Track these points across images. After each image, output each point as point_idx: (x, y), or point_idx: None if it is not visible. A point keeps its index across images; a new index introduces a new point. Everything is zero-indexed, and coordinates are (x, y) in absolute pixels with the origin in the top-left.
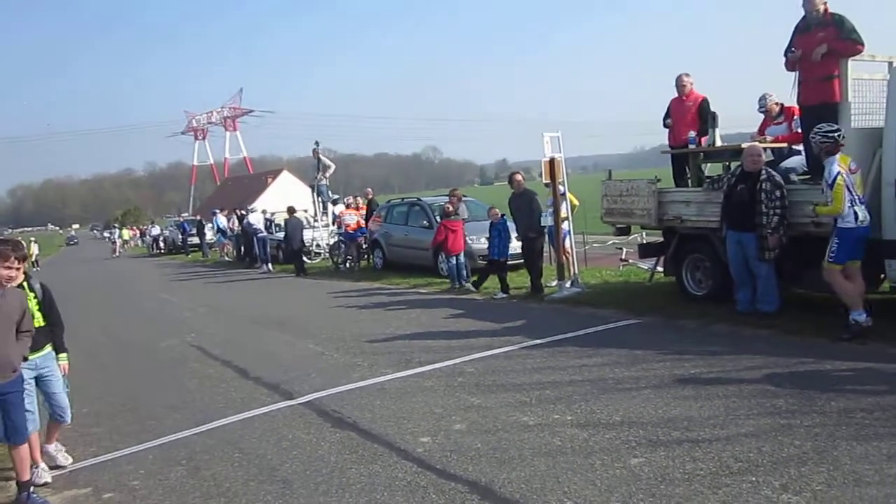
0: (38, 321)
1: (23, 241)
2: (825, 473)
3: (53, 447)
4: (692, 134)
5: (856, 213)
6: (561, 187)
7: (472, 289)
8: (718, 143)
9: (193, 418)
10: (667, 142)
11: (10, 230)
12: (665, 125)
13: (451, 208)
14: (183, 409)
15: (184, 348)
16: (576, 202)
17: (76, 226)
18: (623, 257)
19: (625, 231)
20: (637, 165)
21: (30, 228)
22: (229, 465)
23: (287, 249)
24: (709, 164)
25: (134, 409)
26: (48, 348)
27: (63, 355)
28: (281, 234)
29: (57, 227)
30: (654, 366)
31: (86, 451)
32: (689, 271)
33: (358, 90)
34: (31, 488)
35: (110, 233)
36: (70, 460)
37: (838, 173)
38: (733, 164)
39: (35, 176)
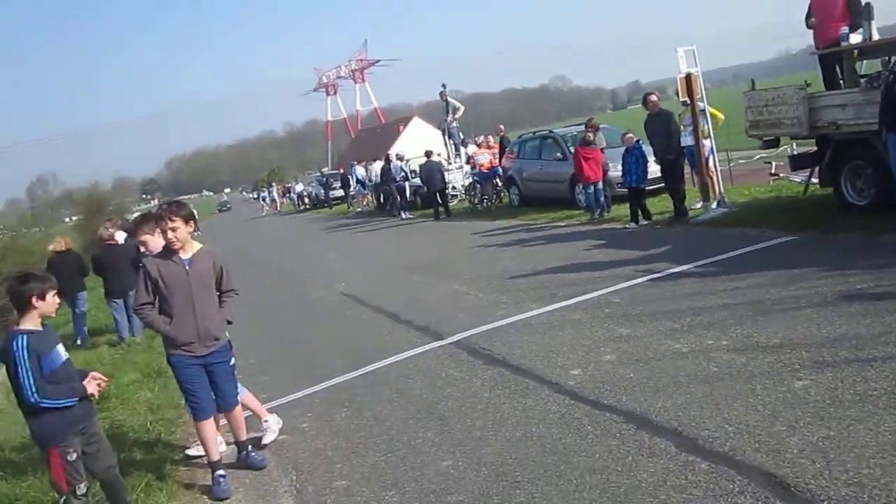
0: None
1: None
2: None
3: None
4: (844, 30)
5: None
6: (700, 104)
7: (635, 226)
8: (876, 36)
9: (351, 362)
10: (813, 43)
11: (159, 198)
12: (808, 25)
13: (591, 137)
14: (341, 354)
15: (336, 297)
16: (720, 116)
17: (228, 190)
18: (773, 171)
19: (773, 143)
20: (783, 72)
21: (187, 196)
22: (389, 405)
23: (427, 193)
24: (864, 63)
25: (296, 356)
26: None
27: None
28: (418, 180)
29: (211, 193)
30: (814, 284)
31: (257, 398)
32: (849, 180)
33: (478, 26)
34: (249, 447)
35: (258, 193)
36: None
37: None
38: (893, 59)
39: (186, 146)
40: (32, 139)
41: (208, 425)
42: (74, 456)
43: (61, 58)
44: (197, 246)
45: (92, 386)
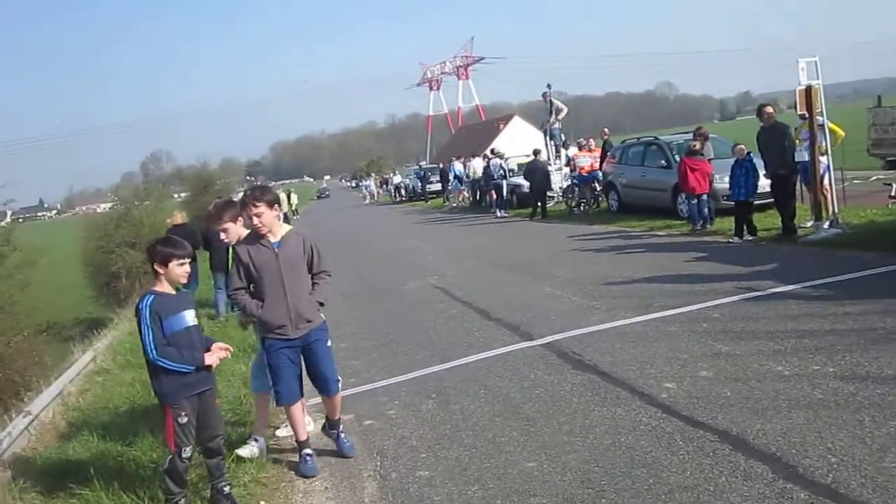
0: None
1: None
2: None
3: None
4: None
5: None
6: (819, 118)
7: (739, 241)
8: None
9: (440, 355)
10: None
11: (270, 183)
12: None
13: (697, 146)
14: (430, 346)
15: (428, 290)
16: (841, 133)
17: (327, 177)
18: (893, 194)
19: None
20: None
21: (288, 181)
22: (475, 401)
23: (527, 192)
24: None
25: (387, 344)
26: None
27: None
28: (516, 179)
29: (311, 179)
30: None
31: (347, 381)
32: None
33: (586, 27)
34: (341, 427)
35: (356, 182)
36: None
37: None
38: None
39: (291, 133)
40: (152, 117)
41: (296, 408)
42: (185, 419)
43: (180, 41)
44: (286, 228)
45: (212, 358)
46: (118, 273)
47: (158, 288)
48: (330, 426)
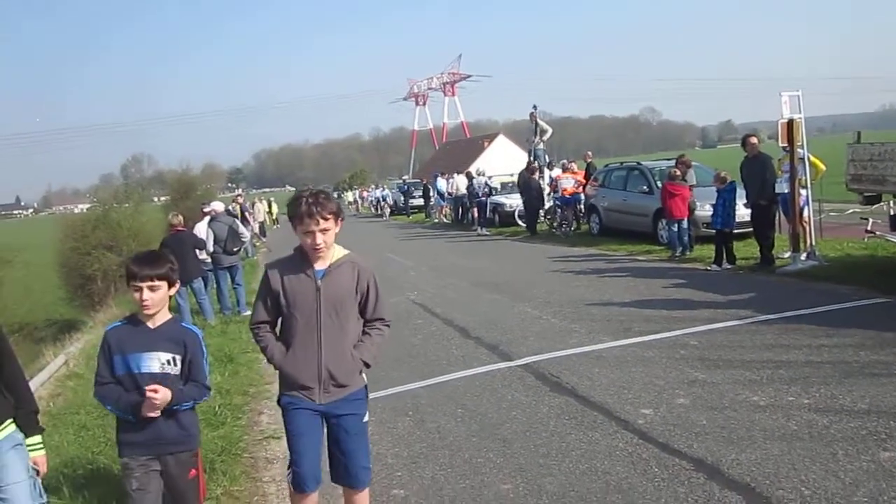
0: None
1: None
2: None
3: None
4: None
5: None
6: (800, 151)
7: (718, 268)
8: None
9: (418, 372)
10: None
11: (252, 190)
12: None
13: (677, 173)
14: (409, 362)
15: (408, 305)
16: (822, 167)
17: (310, 187)
18: (869, 228)
19: (874, 199)
20: (885, 126)
21: (269, 189)
22: (452, 420)
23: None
24: None
25: None
26: (7, 429)
27: (35, 440)
28: (498, 198)
29: (293, 189)
30: None
31: None
32: None
33: (572, 50)
34: None
35: (338, 193)
36: None
37: None
38: None
39: (274, 141)
40: (135, 119)
41: (312, 500)
42: (134, 485)
43: (166, 45)
44: (339, 252)
45: (146, 407)
46: (94, 275)
47: (138, 313)
48: None
